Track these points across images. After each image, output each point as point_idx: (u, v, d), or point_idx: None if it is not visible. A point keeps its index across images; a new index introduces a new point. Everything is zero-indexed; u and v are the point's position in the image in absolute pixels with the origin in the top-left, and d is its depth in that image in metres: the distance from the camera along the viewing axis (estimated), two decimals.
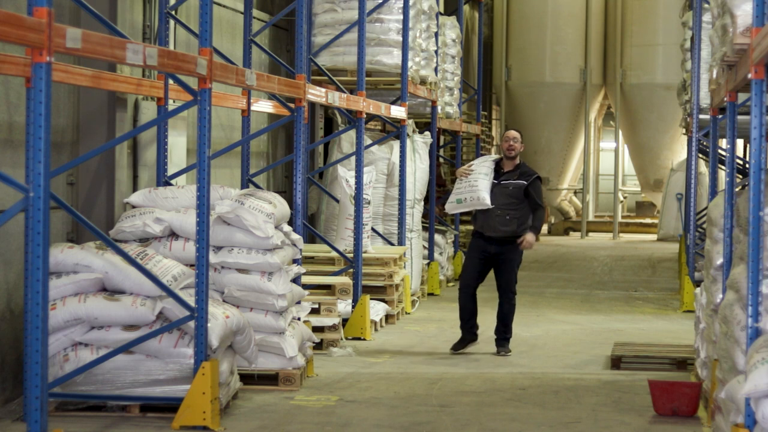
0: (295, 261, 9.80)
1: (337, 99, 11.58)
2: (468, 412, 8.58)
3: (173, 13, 10.38)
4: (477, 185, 11.01)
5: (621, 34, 27.97)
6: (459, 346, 11.19)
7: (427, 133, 15.89)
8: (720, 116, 10.70)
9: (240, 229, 9.00)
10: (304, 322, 10.09)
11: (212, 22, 8.00)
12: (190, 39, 11.12)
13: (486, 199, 10.97)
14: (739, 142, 18.40)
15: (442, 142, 20.16)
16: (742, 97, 8.38)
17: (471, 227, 20.29)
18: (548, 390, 9.51)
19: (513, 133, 11.27)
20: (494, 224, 10.98)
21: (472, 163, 11.39)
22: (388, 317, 13.01)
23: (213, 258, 8.96)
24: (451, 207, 11.30)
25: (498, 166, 11.19)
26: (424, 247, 16.12)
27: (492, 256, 11.08)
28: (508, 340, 11.27)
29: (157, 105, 10.02)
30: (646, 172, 29.08)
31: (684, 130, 18.96)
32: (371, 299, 12.40)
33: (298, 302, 9.84)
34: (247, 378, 9.00)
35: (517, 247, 11.04)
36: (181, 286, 8.23)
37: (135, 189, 10.16)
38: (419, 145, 15.45)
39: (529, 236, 10.99)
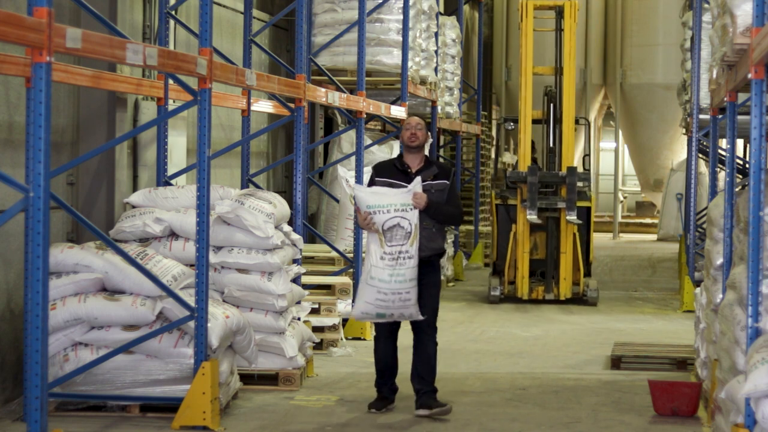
0: (295, 261, 9.80)
1: (337, 99, 11.57)
2: (468, 412, 8.57)
3: (173, 13, 10.38)
4: (410, 298, 8.32)
5: (621, 34, 27.93)
6: (380, 406, 8.63)
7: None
8: (720, 116, 10.69)
9: (240, 229, 9.00)
10: (304, 322, 10.09)
11: (212, 22, 8.00)
12: (190, 39, 11.11)
13: (419, 317, 8.54)
14: (739, 142, 18.39)
15: (442, 142, 20.15)
16: (742, 97, 8.38)
17: (471, 227, 20.10)
18: (548, 390, 9.50)
19: (416, 119, 8.64)
20: (420, 242, 8.34)
21: (372, 208, 8.34)
22: None
23: (213, 258, 8.95)
24: (364, 317, 8.47)
25: (400, 164, 8.59)
26: None
27: None
28: (436, 392, 8.64)
29: (157, 105, 10.02)
30: (646, 172, 29.06)
31: (684, 130, 18.95)
32: None
33: (298, 302, 9.85)
34: (247, 378, 9.00)
35: (437, 267, 8.68)
36: (181, 286, 8.22)
37: (135, 189, 10.16)
38: None
39: (426, 198, 8.31)
